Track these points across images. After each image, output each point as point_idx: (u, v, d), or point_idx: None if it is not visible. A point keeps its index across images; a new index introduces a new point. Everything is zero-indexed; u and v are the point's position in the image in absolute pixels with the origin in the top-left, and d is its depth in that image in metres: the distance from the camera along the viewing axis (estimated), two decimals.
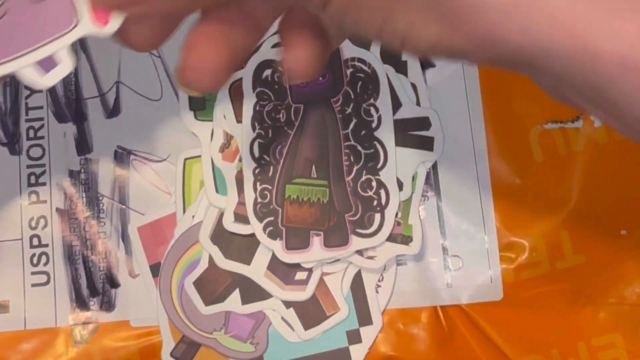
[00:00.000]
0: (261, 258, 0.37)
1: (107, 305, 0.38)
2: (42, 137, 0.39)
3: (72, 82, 0.40)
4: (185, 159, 0.38)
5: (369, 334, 0.37)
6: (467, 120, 0.39)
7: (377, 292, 0.37)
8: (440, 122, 0.38)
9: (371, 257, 0.37)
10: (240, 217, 0.37)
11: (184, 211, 0.38)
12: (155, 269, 0.38)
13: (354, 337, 0.37)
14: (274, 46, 0.38)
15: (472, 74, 0.39)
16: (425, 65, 0.39)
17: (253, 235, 0.37)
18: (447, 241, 0.38)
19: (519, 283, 0.38)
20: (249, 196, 0.37)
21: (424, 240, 0.37)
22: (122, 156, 0.39)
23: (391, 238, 0.37)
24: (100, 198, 0.39)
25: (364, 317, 0.37)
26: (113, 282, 0.38)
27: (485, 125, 0.39)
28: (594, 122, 0.39)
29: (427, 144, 0.38)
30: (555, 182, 0.38)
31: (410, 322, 0.38)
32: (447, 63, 0.39)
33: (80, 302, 0.38)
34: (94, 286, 0.38)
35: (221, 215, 0.37)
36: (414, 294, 0.38)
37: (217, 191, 0.38)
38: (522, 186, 0.38)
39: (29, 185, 0.39)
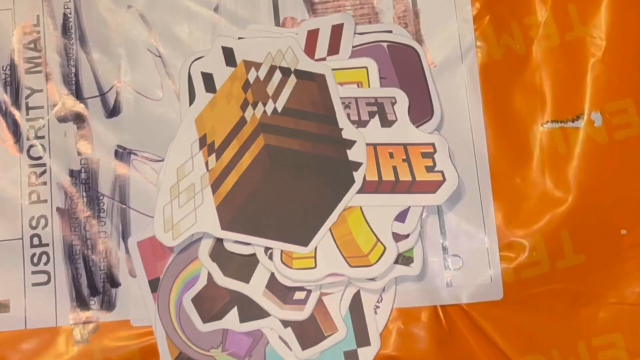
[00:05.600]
0: (260, 277, 0.36)
1: (108, 304, 0.38)
2: (43, 137, 0.39)
3: (72, 82, 0.40)
4: None
5: (366, 355, 0.37)
6: (467, 120, 0.39)
7: (375, 312, 0.37)
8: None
9: (371, 278, 0.37)
10: None
11: None
12: (154, 284, 0.38)
13: (352, 357, 0.37)
14: None
15: (473, 74, 0.39)
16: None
17: (253, 255, 0.36)
18: (447, 241, 0.38)
19: (519, 283, 0.38)
20: None
21: (423, 240, 0.37)
22: (122, 156, 0.39)
23: None
24: (101, 197, 0.39)
25: (362, 338, 0.37)
26: (113, 282, 0.38)
27: (485, 125, 0.39)
28: (594, 122, 0.39)
29: None
30: (555, 182, 0.38)
31: (410, 322, 0.38)
32: (447, 63, 0.39)
33: (81, 302, 0.38)
34: (94, 286, 0.38)
35: None
36: (414, 294, 0.38)
37: None
38: (522, 186, 0.38)
39: (29, 184, 0.39)
